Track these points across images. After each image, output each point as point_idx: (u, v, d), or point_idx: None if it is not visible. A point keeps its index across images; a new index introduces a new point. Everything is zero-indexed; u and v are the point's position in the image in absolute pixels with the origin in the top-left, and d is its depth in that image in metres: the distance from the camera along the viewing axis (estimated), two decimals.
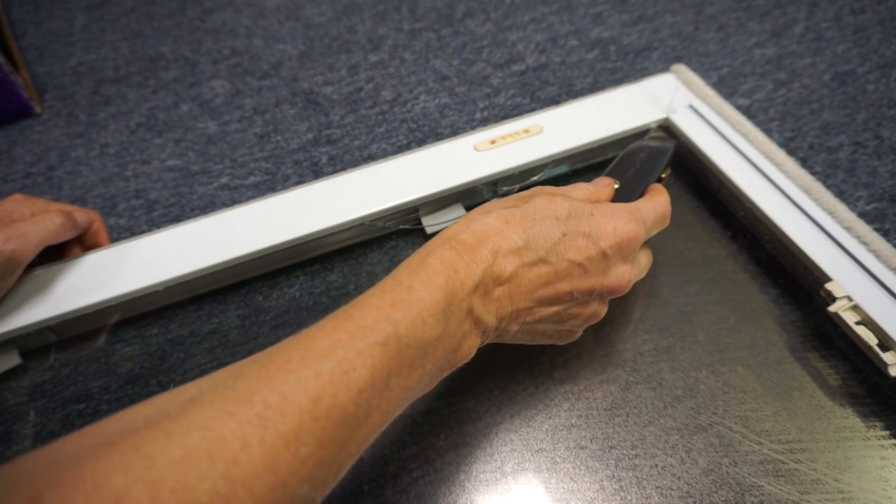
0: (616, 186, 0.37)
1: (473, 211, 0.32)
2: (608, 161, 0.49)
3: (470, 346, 0.29)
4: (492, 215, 0.30)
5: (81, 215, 0.42)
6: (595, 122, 0.46)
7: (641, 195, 0.37)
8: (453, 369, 0.29)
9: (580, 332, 0.35)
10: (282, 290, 0.43)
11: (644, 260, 0.36)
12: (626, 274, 0.33)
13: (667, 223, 0.37)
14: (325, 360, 0.23)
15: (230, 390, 0.21)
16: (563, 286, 0.31)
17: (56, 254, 0.42)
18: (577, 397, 0.37)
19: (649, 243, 0.37)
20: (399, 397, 0.25)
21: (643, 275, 0.36)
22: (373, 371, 0.23)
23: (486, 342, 0.31)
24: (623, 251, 0.32)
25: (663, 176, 0.41)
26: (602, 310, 0.34)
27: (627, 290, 0.33)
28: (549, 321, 0.32)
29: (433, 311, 0.26)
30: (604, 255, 0.31)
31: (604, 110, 0.47)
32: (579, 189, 0.35)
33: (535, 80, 0.57)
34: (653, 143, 0.43)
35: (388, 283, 0.27)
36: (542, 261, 0.30)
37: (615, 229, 0.32)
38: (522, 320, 0.31)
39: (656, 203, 0.36)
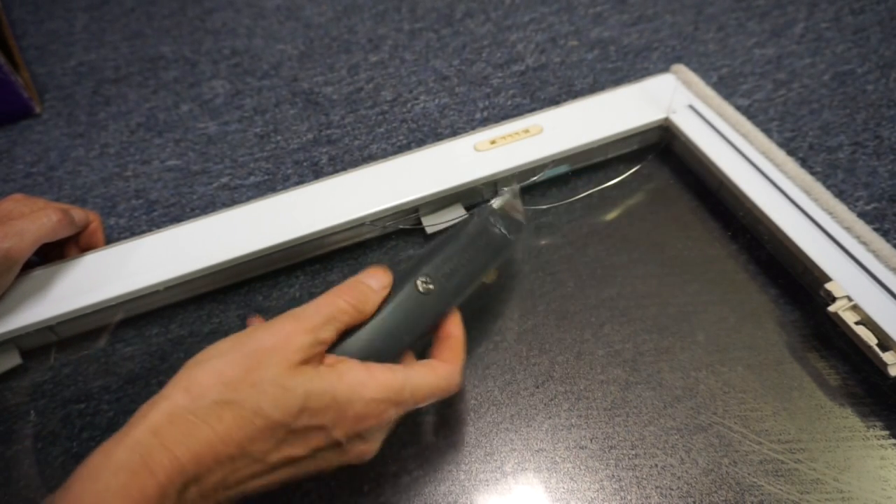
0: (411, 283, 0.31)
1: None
2: (608, 161, 0.49)
3: None
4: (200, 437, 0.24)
5: (79, 213, 0.42)
6: (595, 122, 0.46)
7: (437, 335, 0.32)
8: None
9: (376, 446, 0.29)
10: (282, 290, 0.43)
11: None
12: (363, 452, 0.28)
13: (454, 391, 0.30)
14: None
15: None
16: (292, 465, 0.27)
17: (57, 254, 0.42)
18: (577, 397, 0.37)
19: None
20: None
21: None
22: None
23: None
24: (362, 435, 0.28)
25: (486, 281, 0.35)
26: (367, 448, 0.29)
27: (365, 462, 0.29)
28: (289, 471, 0.27)
29: None
30: (337, 443, 0.27)
31: (604, 110, 0.47)
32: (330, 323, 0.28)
33: (535, 80, 0.57)
34: (496, 228, 0.36)
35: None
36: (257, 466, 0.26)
37: (357, 417, 0.27)
38: (250, 486, 0.26)
39: (438, 376, 0.29)
